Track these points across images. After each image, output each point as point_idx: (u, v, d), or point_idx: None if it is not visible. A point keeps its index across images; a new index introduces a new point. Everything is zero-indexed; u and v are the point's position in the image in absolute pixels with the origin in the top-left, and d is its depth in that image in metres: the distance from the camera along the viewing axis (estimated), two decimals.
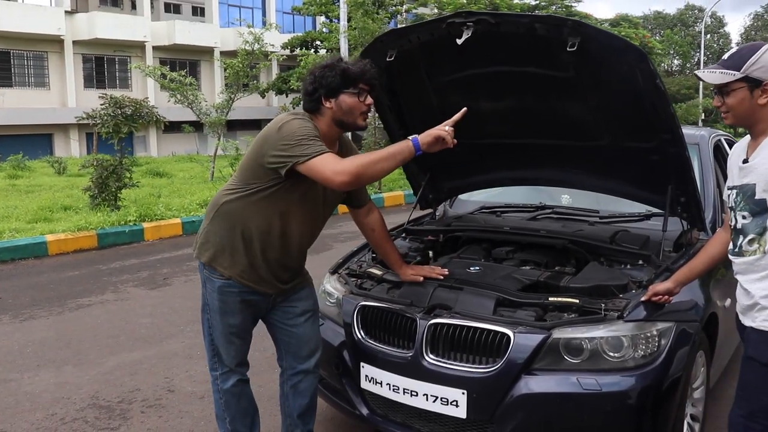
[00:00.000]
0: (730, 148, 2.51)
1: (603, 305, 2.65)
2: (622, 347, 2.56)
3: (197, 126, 17.15)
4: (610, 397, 2.53)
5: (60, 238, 8.14)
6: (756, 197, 2.21)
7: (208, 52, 30.10)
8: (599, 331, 2.58)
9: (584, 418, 2.56)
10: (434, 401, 2.70)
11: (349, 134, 2.97)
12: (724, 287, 3.18)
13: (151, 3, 29.83)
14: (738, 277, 2.34)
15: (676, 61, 55.82)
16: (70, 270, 7.26)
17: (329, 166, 2.41)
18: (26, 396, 4.00)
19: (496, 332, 2.64)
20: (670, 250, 3.17)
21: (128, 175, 9.92)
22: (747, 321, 2.30)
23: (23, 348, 4.81)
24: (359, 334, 2.97)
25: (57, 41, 26.34)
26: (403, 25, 3.39)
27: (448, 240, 3.63)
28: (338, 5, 18.90)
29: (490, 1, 22.59)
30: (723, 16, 73.85)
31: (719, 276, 3.18)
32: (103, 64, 28.17)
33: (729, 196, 2.36)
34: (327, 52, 21.92)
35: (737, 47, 2.31)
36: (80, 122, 10.74)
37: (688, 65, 54.80)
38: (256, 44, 14.47)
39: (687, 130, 3.34)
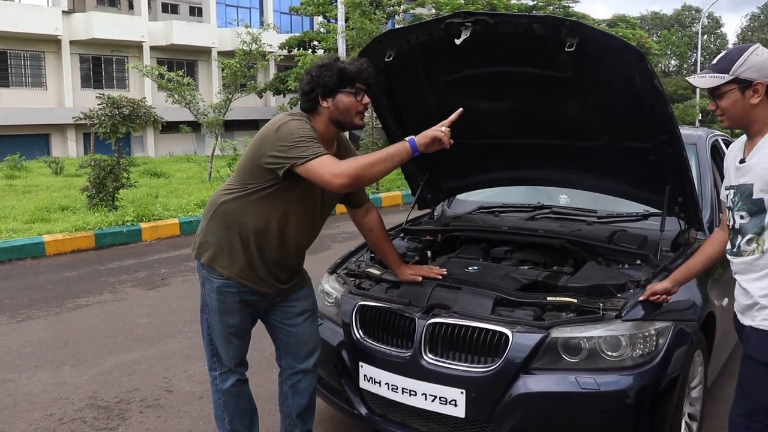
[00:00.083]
0: (727, 148, 2.52)
1: (601, 305, 2.66)
2: (620, 346, 2.57)
3: (195, 126, 17.12)
4: (608, 396, 2.54)
5: (57, 239, 8.13)
6: (753, 197, 2.22)
7: (205, 52, 30.08)
8: (597, 331, 2.58)
9: (582, 417, 2.57)
10: (433, 401, 2.71)
11: (347, 134, 2.97)
12: (722, 287, 3.19)
13: (149, 3, 29.79)
14: (736, 276, 2.35)
15: (673, 62, 55.91)
16: (67, 270, 7.25)
17: (327, 168, 2.41)
18: (24, 396, 4.00)
19: (495, 332, 2.65)
20: (667, 250, 3.18)
21: (126, 176, 9.90)
22: (746, 320, 2.31)
23: (21, 348, 4.81)
24: (358, 333, 2.98)
25: (54, 41, 26.30)
26: (401, 26, 3.39)
27: (447, 240, 3.63)
28: (336, 5, 18.92)
29: (488, 1, 22.60)
30: (720, 16, 74.14)
31: (717, 275, 3.19)
32: (101, 64, 28.14)
33: (727, 196, 2.37)
34: (324, 52, 21.95)
35: (725, 51, 2.34)
36: (77, 122, 10.72)
37: (685, 66, 54.89)
38: (254, 44, 14.47)
39: (684, 131, 3.35)
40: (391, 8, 24.03)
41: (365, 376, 2.93)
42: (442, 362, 2.72)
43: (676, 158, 2.99)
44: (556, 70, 2.89)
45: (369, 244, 3.21)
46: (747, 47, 2.24)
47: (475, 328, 2.69)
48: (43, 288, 6.49)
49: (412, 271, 3.05)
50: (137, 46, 28.38)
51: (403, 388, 2.78)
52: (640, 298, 2.67)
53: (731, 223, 2.33)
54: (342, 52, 15.43)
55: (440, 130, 2.49)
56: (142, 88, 26.19)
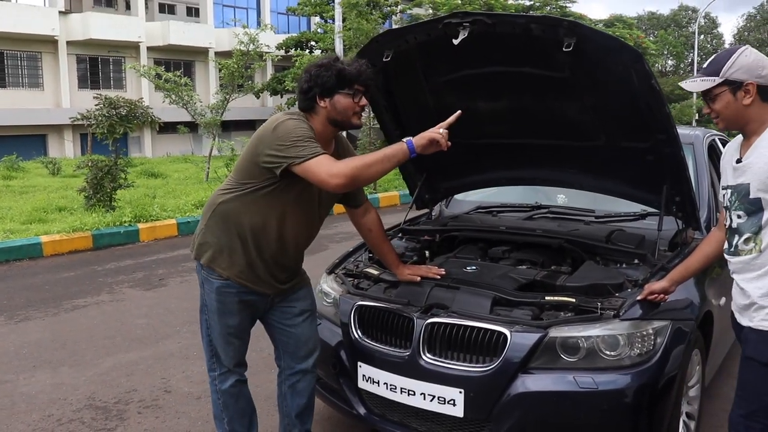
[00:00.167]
0: (724, 147, 2.54)
1: (599, 304, 2.67)
2: (619, 346, 2.58)
3: (192, 126, 17.11)
4: (606, 395, 2.54)
5: (55, 239, 8.11)
6: (751, 196, 2.23)
7: (202, 52, 30.06)
8: (595, 330, 2.59)
9: (581, 416, 2.57)
10: (431, 400, 2.71)
11: (344, 133, 2.97)
12: (719, 286, 3.20)
13: (146, 3, 29.76)
14: (734, 276, 2.36)
15: (670, 62, 56.02)
16: (65, 271, 7.24)
17: (324, 168, 2.41)
18: (22, 397, 3.99)
19: (493, 331, 2.65)
20: (665, 249, 3.19)
21: (123, 176, 9.89)
22: (744, 321, 2.31)
23: (19, 349, 4.80)
24: (356, 333, 2.98)
25: (51, 41, 26.26)
26: (399, 26, 3.39)
27: (445, 240, 3.64)
28: (333, 6, 18.92)
29: (485, 1, 22.60)
30: (716, 16, 74.30)
31: (714, 275, 3.20)
32: (98, 65, 28.10)
33: (724, 195, 2.38)
34: (322, 52, 21.94)
35: (715, 54, 2.36)
36: (74, 123, 10.70)
37: (681, 66, 55.01)
38: (251, 45, 14.46)
39: (681, 130, 3.36)
40: (389, 8, 24.03)
41: (364, 375, 2.93)
42: (441, 362, 2.72)
43: (674, 158, 3.00)
44: (554, 70, 2.90)
45: (367, 244, 3.21)
46: (735, 49, 2.27)
47: (473, 327, 2.69)
48: (40, 289, 6.48)
49: (410, 271, 3.05)
50: (134, 47, 28.35)
51: (401, 388, 2.79)
52: (638, 298, 2.68)
53: (728, 223, 2.34)
54: (339, 52, 15.41)
55: (438, 131, 2.49)
56: (139, 88, 26.16)
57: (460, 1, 22.20)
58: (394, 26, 17.04)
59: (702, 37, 54.27)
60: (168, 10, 31.65)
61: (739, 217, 2.28)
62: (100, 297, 6.17)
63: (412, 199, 3.97)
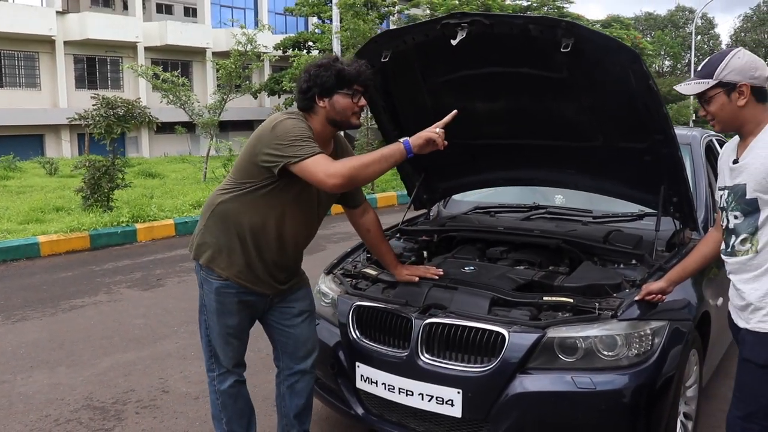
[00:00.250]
0: (722, 148, 2.55)
1: (597, 304, 2.67)
2: (616, 346, 2.58)
3: (189, 127, 17.11)
4: (604, 395, 2.55)
5: (52, 239, 8.10)
6: (747, 197, 2.24)
7: (200, 52, 30.02)
8: (593, 330, 2.60)
9: (579, 416, 2.58)
10: (429, 401, 2.71)
11: (341, 133, 2.98)
12: (717, 286, 3.21)
13: (143, 3, 29.73)
14: (731, 276, 2.36)
15: (667, 62, 56.10)
16: (62, 271, 7.23)
17: (321, 167, 2.41)
18: (20, 397, 3.99)
19: (491, 331, 2.65)
20: (663, 250, 3.20)
21: (120, 176, 9.89)
22: (741, 323, 2.32)
23: (16, 349, 4.79)
24: (354, 334, 2.98)
25: (48, 41, 26.22)
26: (397, 26, 3.40)
27: (443, 240, 3.64)
28: (330, 6, 18.91)
29: (483, 2, 22.61)
30: (713, 17, 74.46)
31: (711, 275, 3.21)
32: (95, 65, 28.06)
33: (720, 196, 2.39)
34: (319, 53, 21.92)
35: (708, 57, 2.39)
36: (72, 123, 10.69)
37: (678, 66, 55.09)
38: (249, 45, 14.45)
39: (679, 131, 3.37)
40: (386, 9, 24.03)
41: (362, 376, 2.93)
42: (439, 362, 2.72)
43: (671, 158, 3.00)
44: (552, 70, 2.91)
45: (366, 244, 3.22)
46: (728, 51, 2.30)
47: (471, 328, 2.69)
48: (38, 289, 6.47)
49: (408, 271, 3.05)
50: (132, 47, 28.31)
51: (399, 388, 2.79)
52: (636, 298, 2.69)
53: (725, 224, 2.35)
54: (337, 52, 15.42)
55: (434, 131, 2.50)
56: (137, 88, 26.16)
57: (457, 2, 22.21)
58: (392, 27, 17.06)
59: (699, 37, 54.38)
60: (165, 10, 31.63)
61: (735, 217, 2.29)
62: (98, 297, 6.16)
63: (410, 200, 3.97)
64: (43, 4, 26.78)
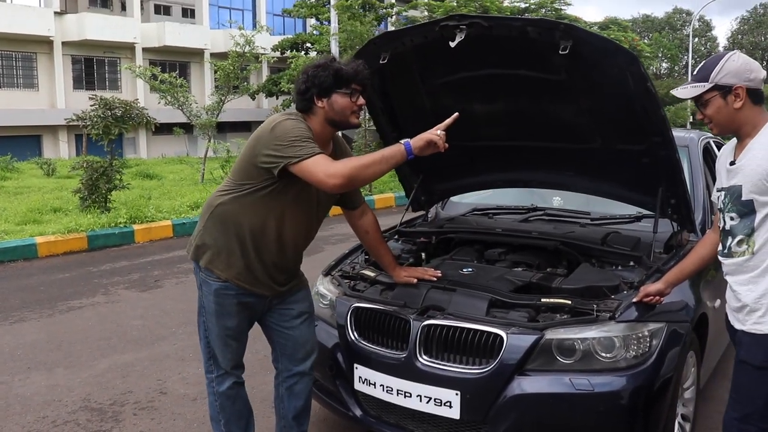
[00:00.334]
0: (719, 150, 2.57)
1: (595, 306, 2.68)
2: (614, 348, 2.59)
3: (187, 128, 17.10)
4: (602, 397, 2.55)
5: (50, 240, 8.09)
6: (743, 198, 2.25)
7: (198, 53, 30.00)
8: (591, 332, 2.60)
9: (577, 418, 2.58)
10: (428, 402, 2.71)
11: (340, 134, 2.98)
12: (714, 288, 3.21)
13: (141, 4, 29.71)
14: (727, 278, 2.37)
15: (664, 64, 56.25)
16: (60, 272, 7.22)
17: (321, 168, 2.42)
18: (17, 399, 3.98)
19: (489, 333, 2.66)
20: (660, 252, 3.20)
21: (118, 177, 9.87)
22: (737, 324, 2.33)
23: (14, 351, 4.78)
24: (353, 335, 2.98)
25: (46, 42, 26.18)
26: (395, 28, 3.40)
27: (441, 242, 3.64)
28: (328, 8, 18.92)
29: (480, 4, 22.65)
30: (710, 19, 74.48)
31: (709, 277, 3.21)
32: (93, 66, 28.03)
33: (717, 198, 2.40)
34: (317, 54, 21.93)
35: (704, 61, 2.40)
36: (69, 124, 10.69)
37: (676, 68, 55.21)
38: (247, 46, 14.45)
39: (677, 133, 3.38)
40: (384, 11, 24.06)
41: (360, 377, 2.93)
42: (437, 364, 2.72)
43: (669, 160, 3.01)
44: (550, 72, 2.91)
45: (364, 246, 3.22)
46: (723, 55, 2.32)
47: (469, 329, 2.69)
48: (35, 290, 6.46)
49: (406, 273, 3.05)
50: (130, 48, 28.28)
51: (397, 390, 2.79)
52: (634, 300, 2.69)
53: (722, 225, 2.36)
54: (335, 54, 15.43)
55: (435, 133, 2.50)
56: (135, 89, 26.12)
57: (455, 4, 22.25)
58: (390, 28, 17.05)
59: (696, 39, 54.51)
60: (163, 11, 31.57)
61: (732, 219, 2.30)
62: (96, 298, 6.15)
63: (409, 201, 3.97)
64: (41, 4, 26.74)
